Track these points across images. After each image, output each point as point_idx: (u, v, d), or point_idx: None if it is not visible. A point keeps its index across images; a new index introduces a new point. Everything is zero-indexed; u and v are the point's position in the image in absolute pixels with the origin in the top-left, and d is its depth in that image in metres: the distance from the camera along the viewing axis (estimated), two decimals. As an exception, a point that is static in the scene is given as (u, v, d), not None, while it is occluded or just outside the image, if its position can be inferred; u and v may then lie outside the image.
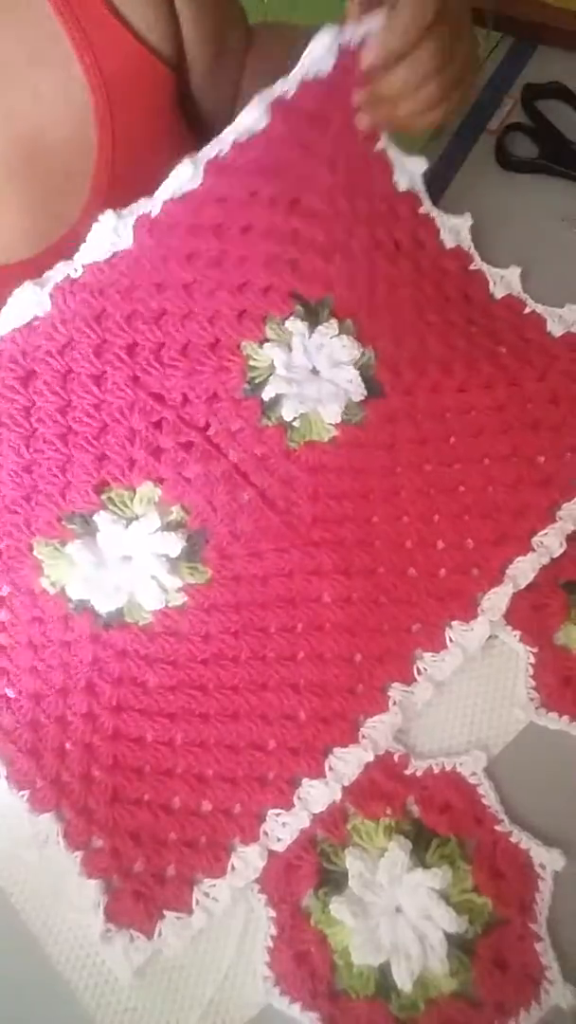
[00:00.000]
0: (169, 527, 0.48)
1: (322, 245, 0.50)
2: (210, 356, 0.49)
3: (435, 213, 0.54)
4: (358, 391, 0.50)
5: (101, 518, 0.47)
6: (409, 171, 0.53)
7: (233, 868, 0.41)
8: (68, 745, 0.45)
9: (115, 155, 0.50)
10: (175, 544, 0.48)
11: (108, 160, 0.50)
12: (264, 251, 0.49)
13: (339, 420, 0.50)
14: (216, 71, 0.56)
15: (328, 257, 0.50)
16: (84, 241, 0.47)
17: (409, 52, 0.41)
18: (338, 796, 0.42)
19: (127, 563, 0.48)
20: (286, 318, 0.50)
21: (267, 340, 0.50)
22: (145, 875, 0.42)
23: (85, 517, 0.48)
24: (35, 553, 0.47)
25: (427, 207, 0.54)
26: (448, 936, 0.40)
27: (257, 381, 0.49)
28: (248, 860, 0.41)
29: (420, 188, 0.54)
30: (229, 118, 0.46)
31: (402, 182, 0.53)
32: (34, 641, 0.47)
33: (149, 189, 0.49)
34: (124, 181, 0.51)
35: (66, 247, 0.50)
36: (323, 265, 0.50)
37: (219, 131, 0.47)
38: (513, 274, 0.51)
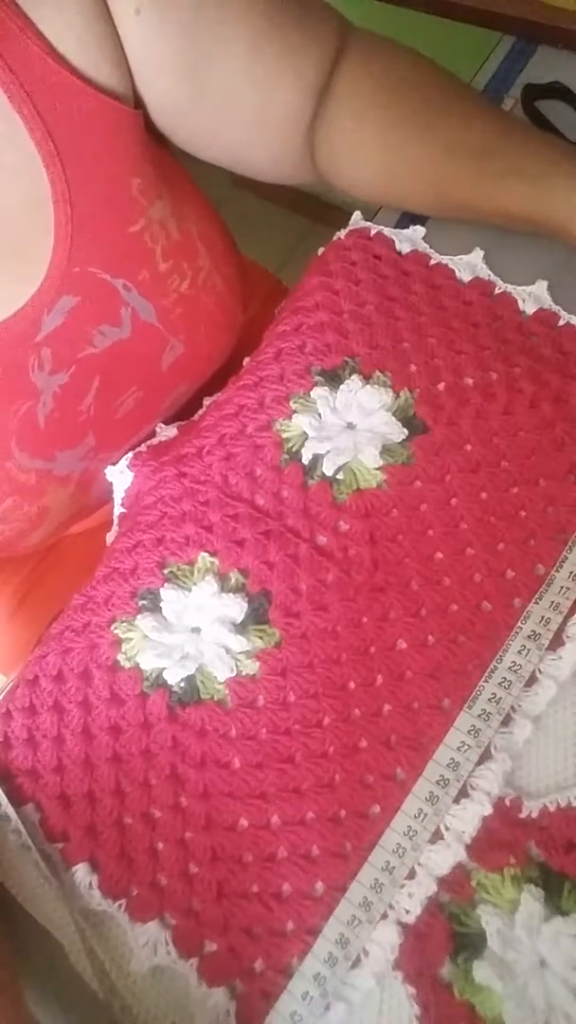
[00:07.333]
0: (228, 591, 0.47)
1: (330, 323, 0.52)
2: (242, 440, 0.51)
3: (445, 259, 0.54)
4: (396, 431, 0.49)
5: (166, 591, 0.48)
6: (409, 236, 0.55)
7: (366, 952, 0.39)
8: (160, 844, 0.43)
9: (74, 204, 0.47)
10: (237, 607, 0.47)
11: (66, 211, 0.47)
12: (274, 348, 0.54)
13: (381, 463, 0.49)
14: (201, 107, 0.51)
15: (341, 331, 0.52)
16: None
17: None
18: (462, 855, 0.40)
19: (195, 634, 0.47)
20: (309, 391, 0.51)
21: (295, 413, 0.51)
22: (270, 973, 0.39)
23: (153, 592, 0.48)
24: (113, 629, 0.48)
25: (436, 259, 0.55)
26: (603, 985, 0.37)
27: (294, 449, 0.50)
28: (381, 940, 0.39)
29: (425, 248, 0.55)
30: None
31: (405, 247, 0.55)
32: (113, 723, 0.46)
33: (119, 237, 0.47)
34: (89, 230, 0.48)
35: (34, 311, 0.48)
36: (337, 338, 0.52)
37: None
38: (541, 288, 0.50)
